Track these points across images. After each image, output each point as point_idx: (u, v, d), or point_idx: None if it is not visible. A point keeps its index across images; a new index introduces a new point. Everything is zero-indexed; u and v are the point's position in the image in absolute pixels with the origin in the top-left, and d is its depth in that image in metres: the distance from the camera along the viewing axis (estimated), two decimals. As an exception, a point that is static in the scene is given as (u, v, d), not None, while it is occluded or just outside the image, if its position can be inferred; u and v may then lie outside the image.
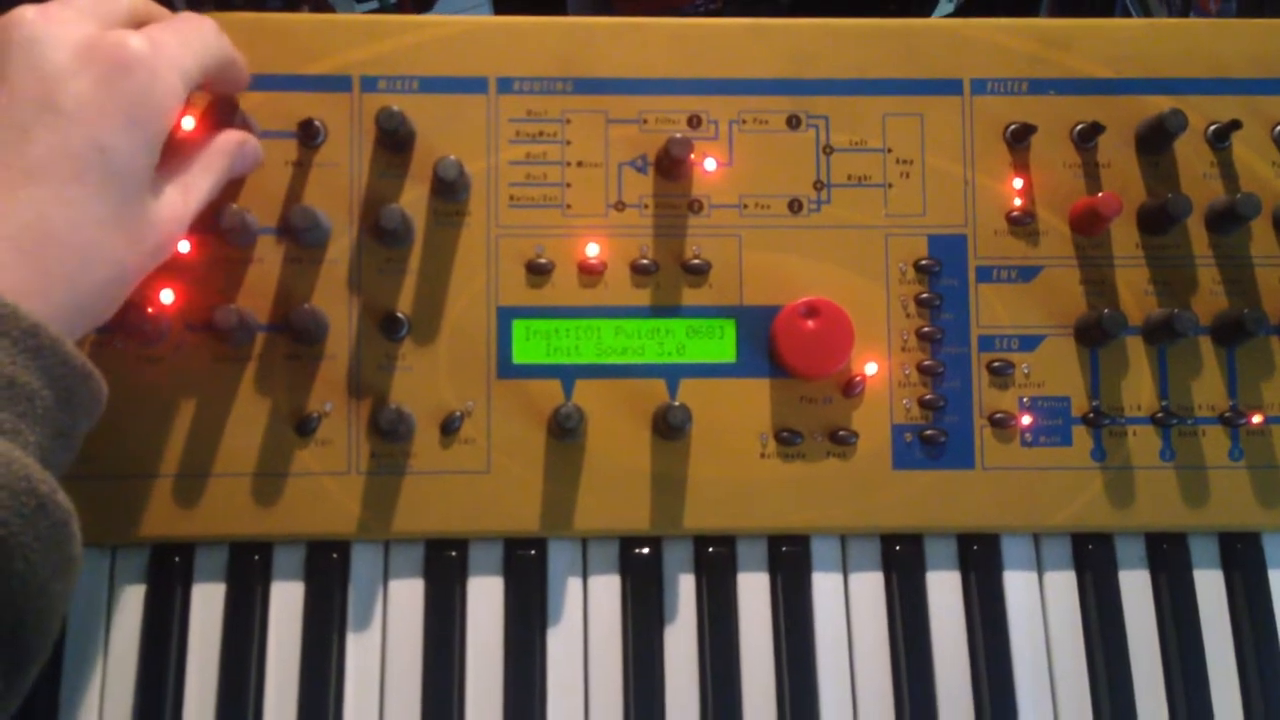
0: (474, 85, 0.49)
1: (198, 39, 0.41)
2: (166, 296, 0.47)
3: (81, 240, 0.36)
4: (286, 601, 0.48)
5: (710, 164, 0.49)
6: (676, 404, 0.47)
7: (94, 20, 0.39)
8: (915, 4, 0.68)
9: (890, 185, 0.49)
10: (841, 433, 0.49)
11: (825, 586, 0.49)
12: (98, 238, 0.36)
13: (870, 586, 0.49)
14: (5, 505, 0.32)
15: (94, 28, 0.38)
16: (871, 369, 0.49)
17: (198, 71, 0.41)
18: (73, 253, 0.36)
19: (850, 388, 0.49)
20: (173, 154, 0.41)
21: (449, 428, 0.48)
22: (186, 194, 0.41)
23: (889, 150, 0.50)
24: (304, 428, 0.47)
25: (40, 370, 0.34)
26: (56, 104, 0.36)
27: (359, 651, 0.47)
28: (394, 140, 0.48)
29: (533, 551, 0.49)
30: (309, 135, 0.48)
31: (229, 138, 0.44)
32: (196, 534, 0.47)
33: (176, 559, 0.48)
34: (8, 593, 0.33)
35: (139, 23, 0.41)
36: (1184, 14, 0.70)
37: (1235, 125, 0.49)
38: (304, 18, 0.50)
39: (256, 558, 0.48)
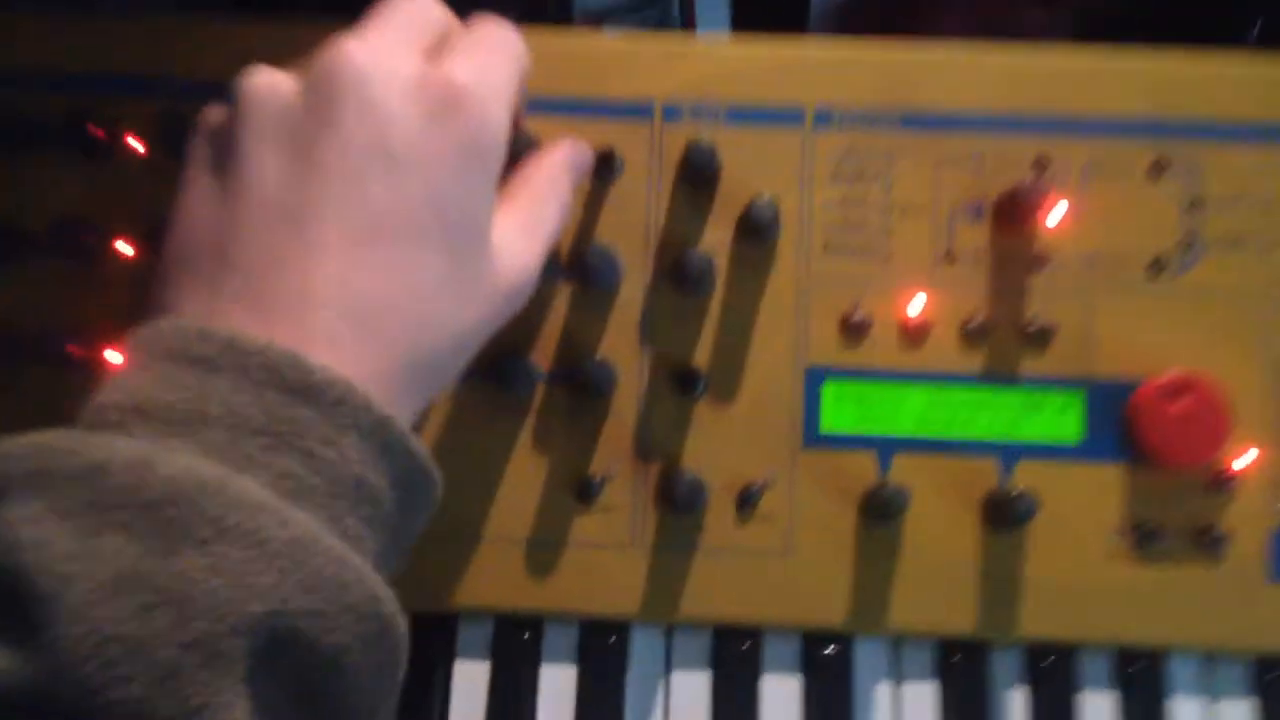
0: (788, 116, 0.46)
1: (512, 58, 0.39)
2: (443, 337, 0.45)
3: (422, 308, 0.34)
4: (557, 686, 0.45)
5: (1057, 214, 0.45)
6: (1019, 491, 0.42)
7: (415, 48, 0.37)
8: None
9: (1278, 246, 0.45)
10: (1209, 533, 0.44)
11: (1185, 713, 0.44)
12: (439, 304, 0.34)
13: (1240, 718, 0.44)
14: (351, 629, 0.29)
15: (417, 59, 0.36)
16: (1248, 459, 0.44)
17: (515, 94, 0.38)
18: (413, 324, 0.33)
19: (1221, 479, 0.44)
20: (507, 191, 0.39)
21: (746, 500, 0.44)
22: (532, 236, 0.38)
23: (1276, 206, 0.45)
24: (585, 492, 0.44)
25: (387, 469, 0.32)
26: (391, 151, 0.34)
27: (637, 752, 0.44)
28: (702, 177, 0.45)
29: (837, 649, 0.45)
30: (607, 167, 0.46)
31: (562, 153, 0.42)
32: (460, 605, 0.45)
33: (438, 633, 0.45)
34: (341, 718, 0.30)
35: (447, 38, 0.39)
36: None
37: None
38: (604, 38, 0.48)
39: (526, 635, 0.45)
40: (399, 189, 0.33)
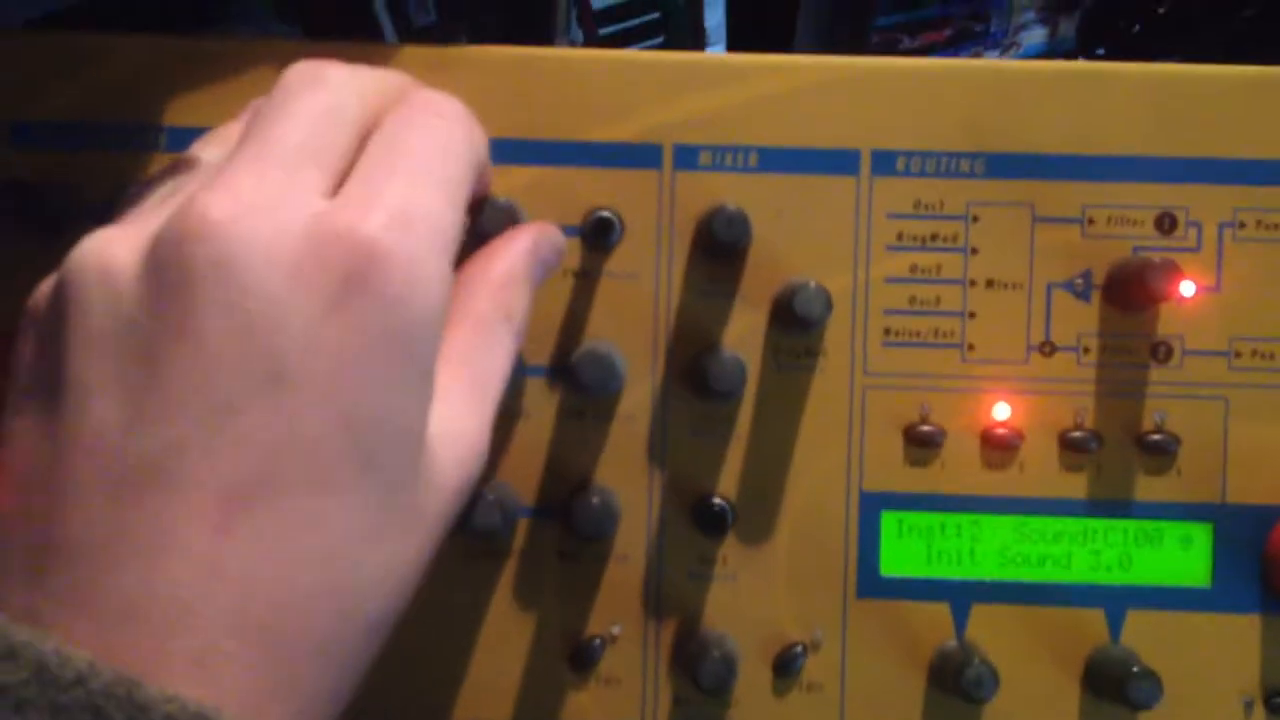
0: (839, 162, 0.36)
1: (453, 158, 0.27)
2: (393, 462, 0.35)
3: (339, 576, 0.23)
4: None
5: (1188, 288, 0.35)
6: (1141, 670, 0.33)
7: (309, 181, 0.25)
8: None
9: None
10: (1367, 702, 0.35)
11: None
12: (364, 560, 0.24)
13: None
14: None
15: (309, 202, 0.24)
16: None
17: (462, 213, 0.27)
18: (327, 602, 0.23)
19: (1385, 637, 0.35)
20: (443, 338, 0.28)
21: (787, 667, 0.35)
22: (480, 397, 0.28)
23: None
24: (582, 659, 0.35)
25: None
26: (275, 366, 0.23)
27: None
28: (729, 251, 0.35)
29: (899, 847, 0.36)
30: (600, 234, 0.35)
31: (517, 254, 0.31)
32: (430, 801, 0.35)
33: (401, 834, 0.36)
34: None
35: (375, 119, 0.27)
36: None
37: None
38: (589, 57, 0.36)
39: (512, 838, 0.36)
40: (290, 420, 0.23)
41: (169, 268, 0.23)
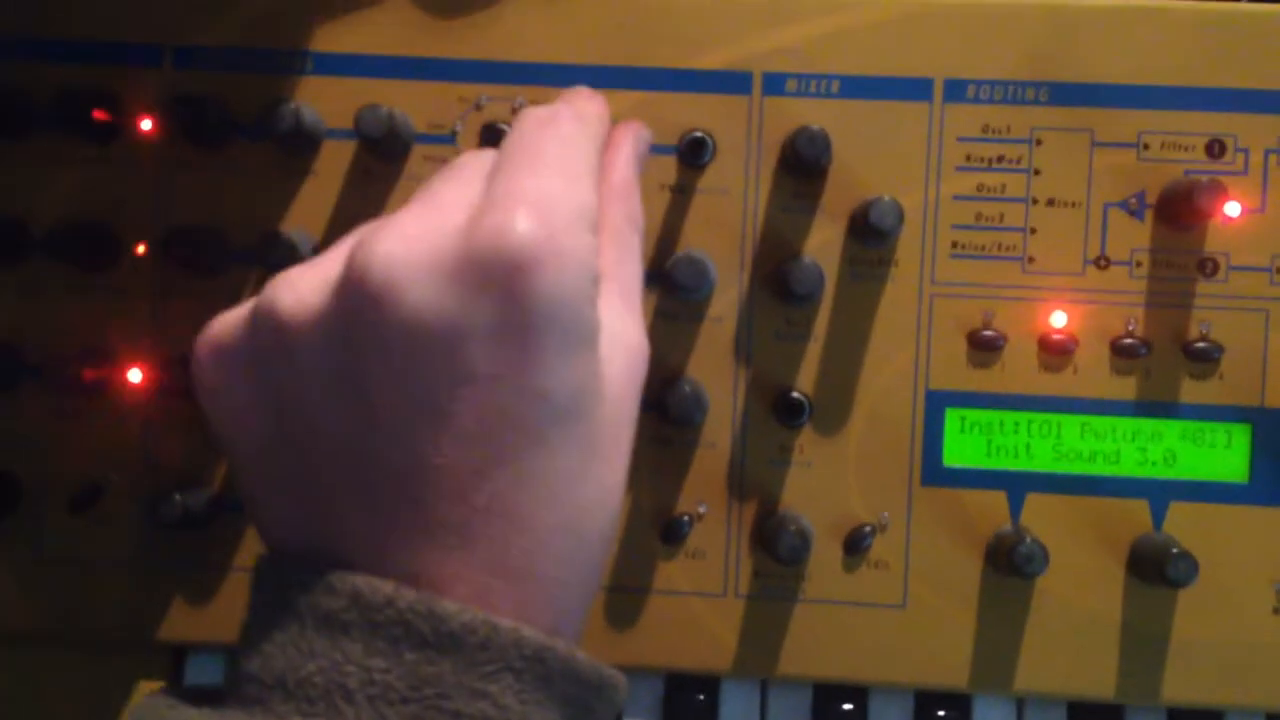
0: (914, 89, 0.40)
1: (586, 150, 0.32)
2: (506, 355, 0.40)
3: (561, 508, 0.29)
4: (640, 747, 0.42)
5: (1234, 209, 0.39)
6: (1179, 550, 0.38)
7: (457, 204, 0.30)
8: None
9: None
10: (1390, 590, 0.39)
11: (1346, 791, 0.40)
12: (577, 490, 0.29)
13: None
14: None
15: (460, 211, 0.29)
16: None
17: (596, 190, 0.32)
18: (557, 528, 0.29)
19: None
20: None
21: (856, 545, 0.40)
22: (632, 302, 0.32)
23: None
24: (672, 533, 0.40)
25: (554, 698, 0.28)
26: (468, 370, 0.28)
27: (730, 820, 0.41)
28: (811, 168, 0.39)
29: (953, 711, 0.41)
30: (695, 152, 0.40)
31: (624, 160, 0.35)
32: (533, 656, 0.41)
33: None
34: None
35: None
36: None
37: None
38: (690, -10, 0.41)
39: (605, 691, 0.41)
40: (494, 405, 0.28)
41: (350, 299, 0.28)
